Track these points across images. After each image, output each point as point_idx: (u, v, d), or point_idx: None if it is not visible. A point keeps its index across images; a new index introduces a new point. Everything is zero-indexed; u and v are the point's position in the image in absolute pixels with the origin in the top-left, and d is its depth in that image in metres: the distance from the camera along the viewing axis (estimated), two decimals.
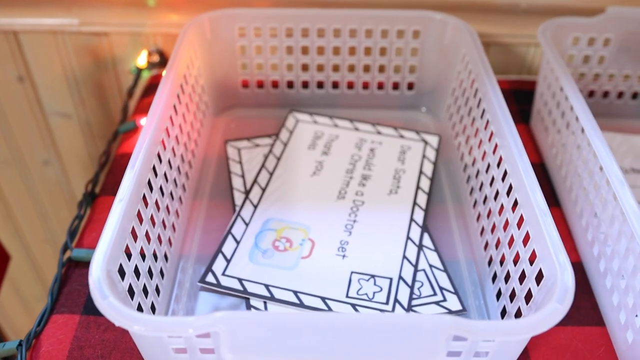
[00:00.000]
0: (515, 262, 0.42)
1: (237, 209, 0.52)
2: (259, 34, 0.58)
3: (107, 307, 0.34)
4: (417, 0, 0.65)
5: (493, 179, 0.47)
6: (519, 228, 0.42)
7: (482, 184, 0.49)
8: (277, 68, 0.60)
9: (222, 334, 0.32)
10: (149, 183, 0.44)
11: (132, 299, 0.40)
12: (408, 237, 0.50)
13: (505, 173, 0.45)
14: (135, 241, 0.41)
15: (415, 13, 0.57)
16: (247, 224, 0.51)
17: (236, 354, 0.32)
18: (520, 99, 0.65)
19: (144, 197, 0.43)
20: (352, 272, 0.48)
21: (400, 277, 0.47)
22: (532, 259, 0.40)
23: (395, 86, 0.62)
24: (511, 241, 0.43)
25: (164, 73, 0.50)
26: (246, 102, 0.62)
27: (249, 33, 0.58)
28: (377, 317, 0.33)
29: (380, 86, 0.62)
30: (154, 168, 0.45)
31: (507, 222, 0.44)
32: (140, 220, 0.42)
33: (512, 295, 0.43)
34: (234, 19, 0.58)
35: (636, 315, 0.40)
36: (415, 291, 0.47)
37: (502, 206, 0.45)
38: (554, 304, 0.34)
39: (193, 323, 0.33)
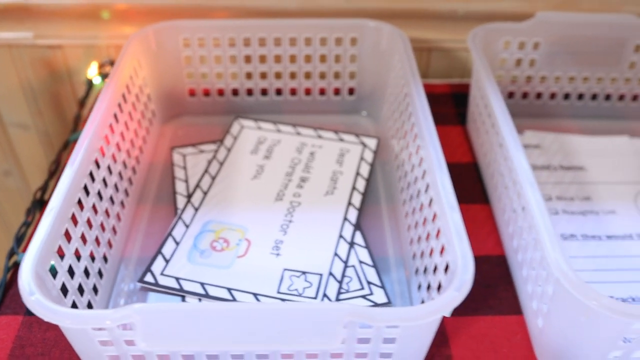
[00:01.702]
0: (430, 255, 0.45)
1: (179, 212, 0.54)
2: (203, 44, 0.61)
3: (33, 303, 0.36)
4: (363, 9, 0.67)
5: (416, 178, 0.49)
6: (433, 223, 0.45)
7: (409, 184, 0.52)
8: (222, 77, 0.63)
9: (137, 324, 0.34)
10: (86, 187, 0.46)
11: (66, 297, 0.42)
12: (340, 236, 0.53)
13: (424, 172, 0.48)
14: (69, 242, 0.43)
15: (351, 21, 0.60)
16: (187, 226, 0.53)
17: (149, 342, 0.34)
18: (460, 102, 0.68)
19: (80, 201, 0.45)
20: (284, 269, 0.50)
21: (330, 273, 0.50)
22: (442, 252, 0.42)
23: (337, 92, 0.64)
24: (428, 236, 0.46)
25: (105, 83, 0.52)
26: (193, 110, 0.64)
27: (193, 44, 0.61)
28: (278, 305, 0.36)
29: (322, 92, 0.64)
30: (91, 173, 0.47)
31: (425, 219, 0.47)
32: (75, 222, 0.44)
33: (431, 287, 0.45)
34: (178, 31, 0.60)
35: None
36: (344, 286, 0.49)
37: (422, 204, 0.48)
38: (451, 291, 0.37)
39: (111, 315, 0.35)
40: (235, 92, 0.64)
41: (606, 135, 0.64)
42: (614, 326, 0.38)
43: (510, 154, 0.47)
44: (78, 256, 0.45)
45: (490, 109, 0.54)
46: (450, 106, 0.68)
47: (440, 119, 0.66)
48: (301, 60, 0.62)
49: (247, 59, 0.62)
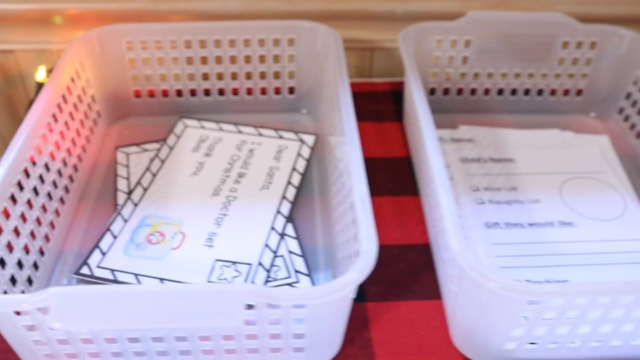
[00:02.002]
0: (348, 243, 0.47)
1: (119, 208, 0.56)
2: (146, 47, 0.63)
3: None
4: (306, 11, 0.70)
5: (341, 172, 0.52)
6: (350, 213, 0.47)
7: (337, 177, 0.54)
8: (165, 78, 0.65)
9: (52, 307, 0.36)
10: (20, 183, 0.48)
11: None
12: (272, 227, 0.55)
13: (345, 166, 0.50)
14: (0, 234, 0.45)
15: (287, 23, 0.62)
16: (126, 221, 0.55)
17: (63, 323, 0.36)
18: (399, 99, 0.70)
19: (13, 195, 0.47)
20: (215, 260, 0.52)
21: (260, 263, 0.52)
22: (355, 239, 0.45)
23: (277, 91, 0.67)
24: (347, 226, 0.48)
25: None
26: (139, 111, 0.66)
27: (136, 47, 0.63)
28: (182, 287, 0.38)
29: (263, 91, 0.67)
30: (26, 170, 0.49)
31: (346, 210, 0.49)
32: (7, 216, 0.46)
33: None
34: (121, 34, 0.62)
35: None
36: (272, 274, 0.51)
37: (344, 196, 0.50)
38: (353, 272, 0.39)
39: (28, 299, 0.37)
40: (179, 93, 0.66)
41: (538, 129, 0.67)
42: (511, 304, 0.40)
43: (426, 148, 0.49)
44: (11, 248, 0.47)
45: (414, 106, 0.56)
46: (391, 104, 0.70)
47: (380, 116, 0.69)
48: (241, 61, 0.64)
49: (189, 61, 0.64)
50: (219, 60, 0.64)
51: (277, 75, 0.66)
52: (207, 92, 0.66)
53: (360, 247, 0.40)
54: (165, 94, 0.66)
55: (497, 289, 0.39)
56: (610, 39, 0.65)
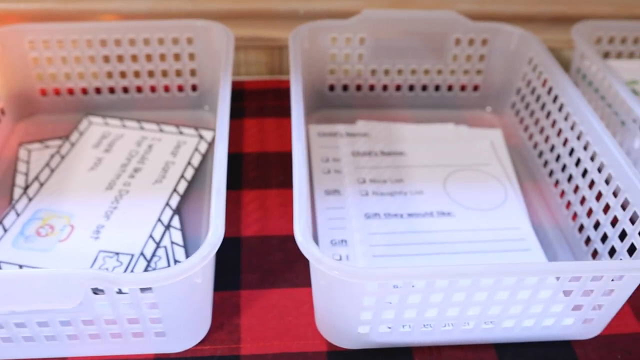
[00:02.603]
0: None
1: (14, 202, 0.58)
2: (48, 47, 0.65)
3: None
4: (212, 10, 0.72)
5: None
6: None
7: None
8: (70, 77, 0.67)
9: None
10: None
11: None
12: (159, 220, 0.57)
13: None
14: None
15: (183, 22, 0.64)
16: (18, 215, 0.57)
17: None
18: None
19: None
20: (100, 251, 0.54)
21: (141, 253, 0.54)
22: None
23: (180, 88, 0.68)
24: None
25: None
26: (46, 108, 0.68)
27: (39, 46, 0.65)
28: (23, 272, 0.39)
29: (167, 89, 0.68)
30: None
31: None
32: None
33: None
34: (23, 34, 0.64)
35: None
36: (152, 264, 0.53)
37: None
38: (195, 258, 0.41)
39: None
40: (84, 91, 0.68)
41: (434, 123, 0.69)
42: (352, 289, 0.42)
43: (293, 143, 0.51)
44: None
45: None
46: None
47: (283, 112, 0.71)
48: (142, 59, 0.66)
49: (91, 59, 0.66)
50: (120, 59, 0.66)
51: (179, 73, 0.67)
52: (112, 90, 0.68)
53: (208, 236, 0.42)
54: (70, 92, 0.68)
55: (333, 274, 0.41)
56: (500, 36, 0.67)
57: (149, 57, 0.66)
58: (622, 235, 0.49)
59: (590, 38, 0.70)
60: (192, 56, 0.66)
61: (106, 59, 0.66)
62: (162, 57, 0.66)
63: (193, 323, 0.47)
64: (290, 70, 0.58)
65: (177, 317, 0.45)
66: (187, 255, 0.54)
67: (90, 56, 0.66)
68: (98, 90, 0.68)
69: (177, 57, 0.66)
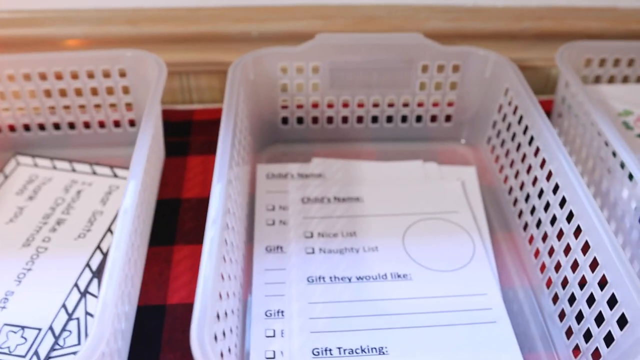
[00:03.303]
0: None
1: None
2: None
3: None
4: (157, 34, 0.65)
5: None
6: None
7: None
8: None
9: None
10: None
11: None
12: (75, 284, 0.50)
13: None
14: None
15: (111, 52, 0.57)
16: None
17: None
18: None
19: None
20: (4, 324, 0.48)
21: (50, 327, 0.47)
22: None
23: (117, 124, 0.62)
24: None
25: None
26: None
27: None
28: None
29: (102, 125, 0.62)
30: None
31: None
32: None
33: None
34: None
35: None
36: (61, 341, 0.47)
37: None
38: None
39: None
40: (12, 128, 0.62)
41: (400, 160, 0.61)
42: None
43: (213, 188, 0.44)
44: None
45: None
46: None
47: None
48: (72, 93, 0.59)
49: (16, 95, 0.59)
50: (48, 93, 0.59)
51: (114, 107, 0.61)
52: (41, 127, 0.62)
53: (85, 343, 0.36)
54: None
55: None
56: (473, 61, 0.59)
57: (79, 91, 0.59)
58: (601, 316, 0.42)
59: (578, 61, 0.61)
60: (126, 89, 0.59)
61: (32, 94, 0.59)
62: (94, 91, 0.60)
63: None
64: (223, 109, 0.51)
65: None
66: None
67: (14, 91, 0.59)
68: (27, 127, 0.62)
69: (110, 90, 0.60)
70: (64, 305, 0.49)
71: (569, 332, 0.45)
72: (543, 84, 0.72)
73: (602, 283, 0.41)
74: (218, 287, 0.39)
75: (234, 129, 0.50)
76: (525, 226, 0.52)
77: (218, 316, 0.39)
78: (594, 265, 0.42)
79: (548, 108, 0.63)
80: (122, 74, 0.59)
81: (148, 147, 0.48)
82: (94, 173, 0.60)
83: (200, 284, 0.38)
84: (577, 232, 0.44)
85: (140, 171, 0.46)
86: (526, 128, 0.53)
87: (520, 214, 0.54)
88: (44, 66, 0.58)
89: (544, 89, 0.72)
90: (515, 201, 0.55)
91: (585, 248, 0.43)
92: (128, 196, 0.44)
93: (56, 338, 0.47)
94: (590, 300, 0.42)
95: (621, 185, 0.50)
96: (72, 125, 0.62)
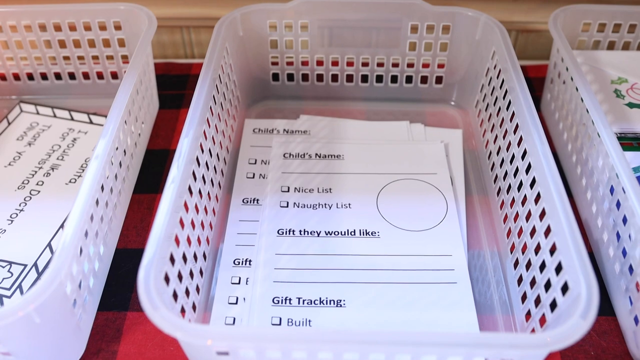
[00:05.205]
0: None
1: None
2: None
3: None
4: None
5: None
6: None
7: None
8: None
9: None
10: None
11: None
12: (62, 226, 0.53)
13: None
14: None
15: (103, 5, 0.59)
16: None
17: None
18: None
19: None
20: None
21: (35, 264, 0.51)
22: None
23: (115, 75, 0.64)
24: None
25: None
26: None
27: None
28: None
29: (100, 76, 0.64)
30: None
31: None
32: None
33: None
34: None
35: None
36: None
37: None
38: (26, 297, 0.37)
39: None
40: (16, 77, 0.65)
41: (387, 120, 0.61)
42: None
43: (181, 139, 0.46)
44: None
45: None
46: None
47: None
48: (71, 44, 0.62)
49: (19, 45, 0.62)
50: (48, 44, 0.62)
51: (111, 59, 0.63)
52: (43, 76, 0.65)
53: (47, 271, 0.39)
54: (2, 77, 0.65)
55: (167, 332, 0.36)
56: (463, 22, 0.58)
57: (77, 43, 0.62)
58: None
59: (575, 25, 0.59)
60: (121, 42, 0.61)
61: (33, 45, 0.62)
62: (91, 43, 0.62)
63: (55, 352, 0.44)
64: (203, 64, 0.52)
65: (27, 349, 0.42)
66: None
67: (17, 41, 0.62)
68: (30, 76, 0.65)
69: (106, 42, 0.62)
70: (49, 245, 0.52)
71: (524, 297, 0.46)
72: (547, 49, 0.70)
73: (553, 250, 0.42)
74: (173, 231, 0.41)
75: (213, 84, 0.51)
76: (499, 191, 0.53)
77: (172, 259, 0.42)
78: (548, 232, 0.42)
79: (546, 73, 0.62)
80: (118, 27, 0.60)
81: (128, 96, 0.50)
82: (91, 122, 0.63)
83: (154, 228, 0.40)
84: (538, 198, 0.44)
85: (117, 117, 0.48)
86: (506, 92, 0.52)
87: (496, 178, 0.53)
88: (43, 17, 0.60)
89: (548, 54, 0.70)
90: (493, 166, 0.54)
91: (543, 215, 0.43)
92: (100, 144, 0.46)
93: (39, 274, 0.50)
94: (542, 267, 0.43)
95: (597, 154, 0.50)
96: (72, 76, 0.64)
